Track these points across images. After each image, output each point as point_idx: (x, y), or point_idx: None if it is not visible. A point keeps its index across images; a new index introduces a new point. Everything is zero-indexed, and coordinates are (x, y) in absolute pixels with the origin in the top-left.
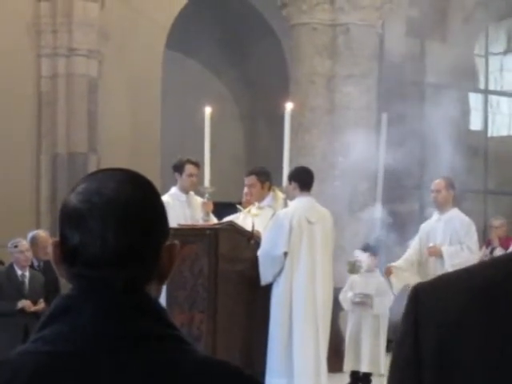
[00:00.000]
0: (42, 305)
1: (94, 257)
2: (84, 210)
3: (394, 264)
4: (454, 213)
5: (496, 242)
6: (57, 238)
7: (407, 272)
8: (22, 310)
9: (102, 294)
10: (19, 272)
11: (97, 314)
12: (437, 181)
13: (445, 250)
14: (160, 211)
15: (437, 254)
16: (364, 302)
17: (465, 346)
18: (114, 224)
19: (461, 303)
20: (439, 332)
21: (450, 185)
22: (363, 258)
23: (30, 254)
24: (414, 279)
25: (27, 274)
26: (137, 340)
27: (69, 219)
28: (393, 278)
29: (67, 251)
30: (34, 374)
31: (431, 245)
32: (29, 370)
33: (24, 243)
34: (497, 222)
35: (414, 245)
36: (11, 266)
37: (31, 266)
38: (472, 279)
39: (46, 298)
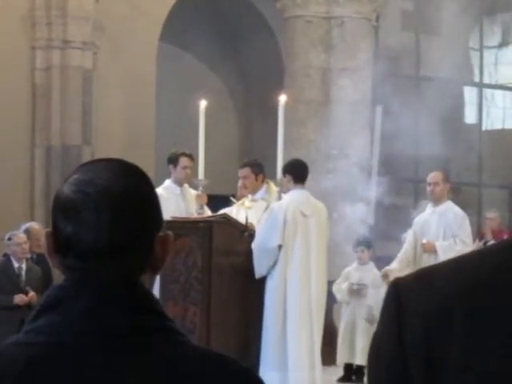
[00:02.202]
0: (33, 296)
1: (87, 248)
2: (77, 201)
3: (389, 268)
4: (448, 205)
5: (489, 235)
6: (50, 229)
7: (404, 272)
8: (18, 304)
9: (95, 285)
10: (16, 264)
11: (90, 305)
12: (434, 173)
13: (438, 245)
14: (154, 202)
15: (431, 250)
16: (360, 290)
17: (450, 336)
18: (108, 215)
19: (447, 294)
20: (423, 323)
21: (447, 177)
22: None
23: (27, 247)
24: None
25: (24, 266)
26: (131, 331)
27: (62, 210)
28: (391, 280)
29: (60, 242)
30: (27, 364)
31: (425, 241)
32: (22, 360)
33: (21, 236)
34: (491, 214)
35: (408, 240)
36: (8, 259)
37: (27, 259)
38: (459, 271)
39: (41, 291)
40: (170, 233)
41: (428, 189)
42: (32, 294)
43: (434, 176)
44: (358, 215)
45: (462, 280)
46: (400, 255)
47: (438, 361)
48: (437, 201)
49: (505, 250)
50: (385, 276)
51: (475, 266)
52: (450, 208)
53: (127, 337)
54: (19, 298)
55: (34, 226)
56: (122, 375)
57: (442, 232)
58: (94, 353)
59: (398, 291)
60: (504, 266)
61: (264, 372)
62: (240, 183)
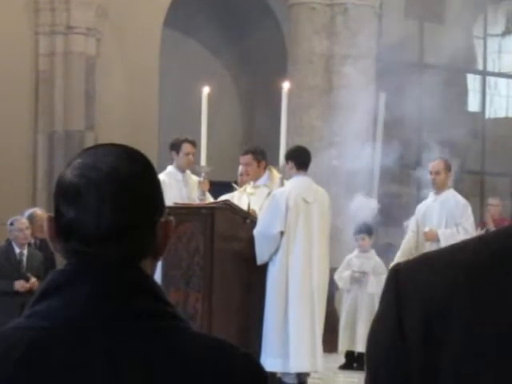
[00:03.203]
0: (34, 282)
1: (89, 232)
2: (80, 185)
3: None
4: (450, 194)
5: (490, 224)
6: (52, 214)
7: None
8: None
9: (97, 269)
10: (17, 250)
11: (92, 290)
12: (435, 162)
13: (441, 233)
14: (156, 187)
15: (433, 238)
16: (361, 277)
17: (451, 322)
18: (110, 199)
19: (447, 278)
20: (424, 307)
21: (448, 166)
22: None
23: (28, 232)
24: None
25: (25, 252)
26: (132, 316)
27: (64, 194)
28: None
29: (62, 227)
30: (29, 348)
31: (427, 229)
32: (23, 344)
33: (23, 221)
34: (493, 200)
35: (411, 228)
36: (9, 244)
37: (29, 244)
38: (459, 256)
39: (43, 277)
40: (171, 218)
41: (430, 177)
42: (33, 280)
43: (435, 165)
44: (361, 202)
45: (462, 264)
46: (403, 246)
47: (438, 345)
48: (439, 189)
49: (505, 234)
50: None
51: (475, 251)
52: (452, 196)
53: (128, 322)
54: (19, 285)
55: (38, 211)
56: (123, 359)
57: (444, 220)
58: (95, 337)
59: (398, 275)
60: (504, 250)
61: (265, 358)
62: (240, 170)
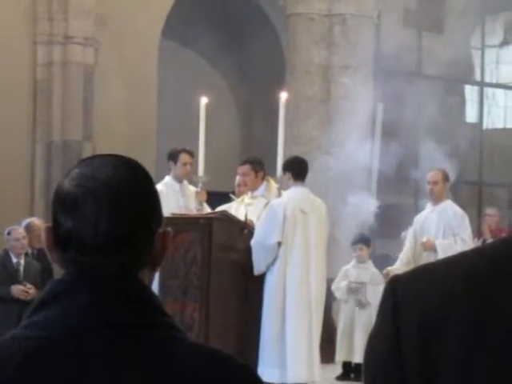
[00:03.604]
0: (32, 289)
1: (87, 242)
2: (78, 195)
3: (390, 268)
4: (448, 204)
5: (488, 234)
6: (49, 224)
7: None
8: (17, 299)
9: (94, 279)
10: (14, 260)
11: (89, 300)
12: (433, 172)
13: (438, 243)
14: (154, 198)
15: (431, 248)
16: (359, 288)
17: (448, 332)
18: (108, 209)
19: (445, 288)
20: (421, 317)
21: (446, 176)
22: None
23: (25, 242)
24: None
25: (22, 261)
26: (129, 327)
27: (62, 204)
28: None
29: (60, 236)
30: (25, 358)
31: (424, 239)
32: (20, 354)
33: (20, 231)
34: (490, 210)
35: (409, 239)
36: (6, 254)
37: (26, 254)
38: (456, 266)
39: (40, 286)
40: (169, 229)
41: (428, 188)
42: (30, 286)
43: (433, 175)
44: (358, 213)
45: (460, 275)
46: (401, 255)
47: (435, 355)
48: (436, 199)
49: (503, 245)
50: (386, 275)
51: (473, 262)
52: (450, 207)
53: (126, 332)
54: (17, 289)
55: (35, 221)
56: (120, 370)
57: (442, 231)
58: (92, 347)
59: (396, 286)
60: (502, 260)
61: (263, 369)
62: (237, 180)
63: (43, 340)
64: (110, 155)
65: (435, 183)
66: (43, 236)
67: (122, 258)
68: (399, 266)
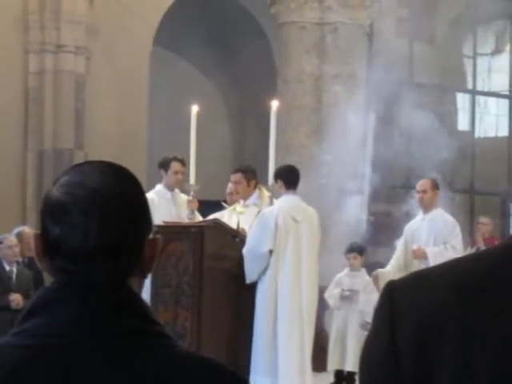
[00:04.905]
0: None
1: (76, 250)
2: (67, 203)
3: (380, 270)
4: (439, 212)
5: (481, 242)
6: (38, 231)
7: (396, 276)
8: (9, 306)
9: (83, 287)
10: (7, 268)
11: (79, 308)
12: (422, 181)
13: (429, 251)
14: (143, 204)
15: (422, 255)
16: (352, 296)
17: (444, 339)
18: (97, 217)
19: (441, 295)
20: (417, 324)
21: (436, 185)
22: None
23: (18, 250)
24: None
25: (15, 269)
26: (119, 335)
27: (51, 212)
28: (380, 282)
29: (49, 244)
30: (14, 367)
31: (415, 247)
32: (9, 363)
33: (12, 239)
34: (484, 219)
35: (399, 246)
36: None
37: (17, 262)
38: (453, 272)
39: (32, 294)
40: (159, 236)
41: (417, 196)
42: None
43: (422, 184)
44: (350, 221)
45: (457, 281)
46: (392, 261)
47: (431, 362)
48: (426, 208)
49: (500, 251)
50: (375, 278)
51: (470, 268)
52: (441, 215)
53: (115, 339)
54: (13, 297)
55: (26, 229)
56: (109, 378)
57: (433, 239)
58: (82, 355)
59: (392, 292)
60: (499, 266)
61: (254, 377)
62: (229, 188)
63: (32, 348)
64: (100, 162)
65: (424, 192)
66: (32, 244)
67: (111, 265)
68: (390, 270)
